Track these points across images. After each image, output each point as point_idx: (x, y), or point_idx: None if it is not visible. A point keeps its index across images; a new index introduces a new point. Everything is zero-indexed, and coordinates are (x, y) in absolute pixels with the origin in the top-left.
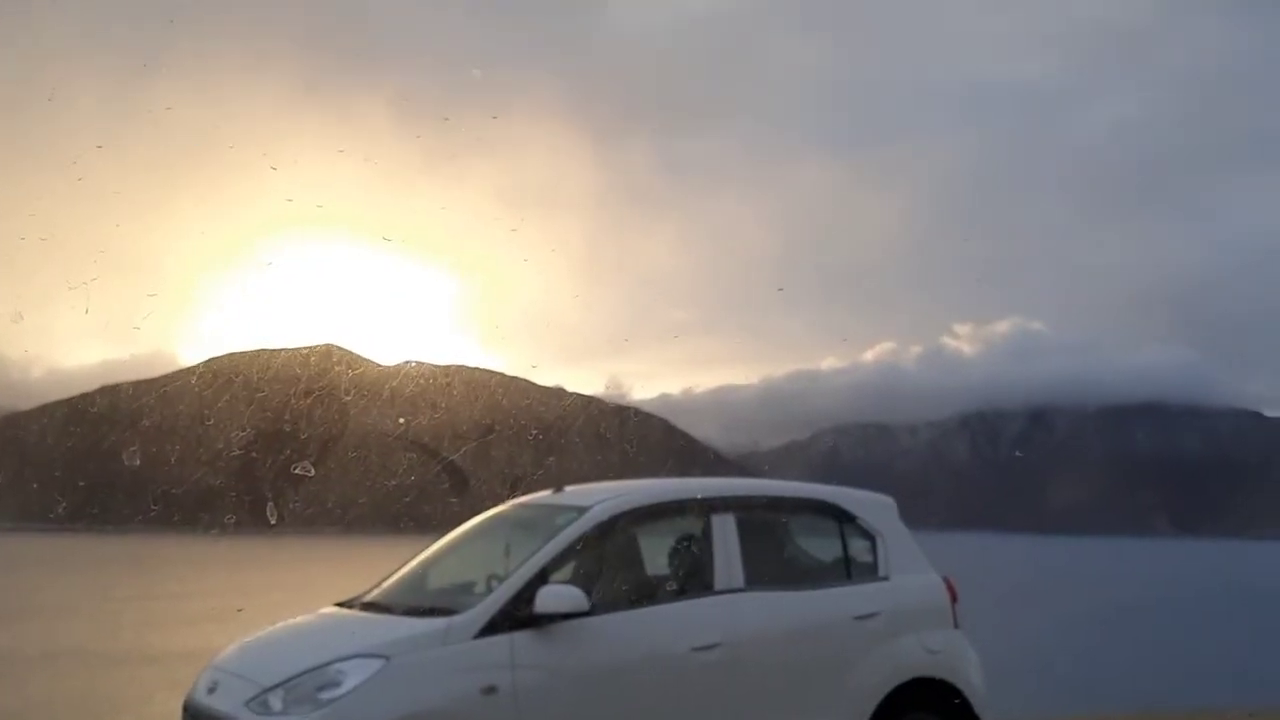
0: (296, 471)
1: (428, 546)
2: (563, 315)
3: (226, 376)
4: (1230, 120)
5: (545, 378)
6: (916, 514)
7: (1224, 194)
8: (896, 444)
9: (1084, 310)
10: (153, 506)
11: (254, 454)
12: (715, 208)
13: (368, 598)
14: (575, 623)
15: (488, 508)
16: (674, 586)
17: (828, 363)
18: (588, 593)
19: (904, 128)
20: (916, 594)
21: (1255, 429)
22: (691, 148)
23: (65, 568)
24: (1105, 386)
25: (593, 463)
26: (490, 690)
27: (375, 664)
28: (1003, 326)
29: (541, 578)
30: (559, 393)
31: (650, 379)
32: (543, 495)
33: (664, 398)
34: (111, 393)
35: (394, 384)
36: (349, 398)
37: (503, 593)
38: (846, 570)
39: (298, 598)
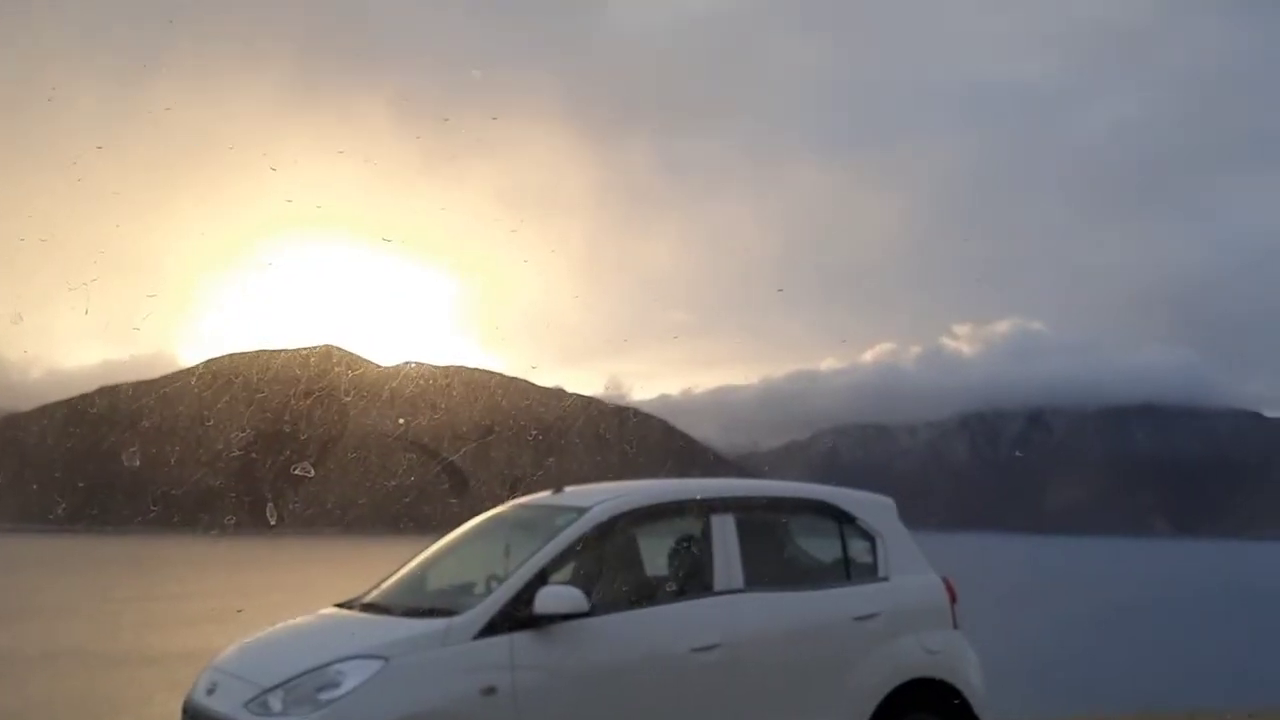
0: (296, 472)
1: (427, 547)
2: (562, 316)
3: (226, 377)
4: (1230, 121)
5: (545, 378)
6: (916, 514)
7: (1223, 194)
8: (896, 444)
9: (1083, 310)
10: (152, 507)
11: (254, 455)
12: (715, 208)
13: (367, 598)
14: (575, 623)
15: (487, 509)
16: (673, 587)
17: (827, 363)
18: (587, 593)
19: (903, 128)
20: (916, 594)
21: (1254, 429)
22: (691, 148)
23: (65, 568)
24: (1104, 387)
25: (592, 463)
26: (490, 691)
27: (375, 665)
28: (1002, 327)
29: (541, 578)
30: (558, 393)
31: (650, 379)
32: (542, 496)
33: (663, 398)
34: (111, 393)
35: (394, 385)
36: (349, 398)
37: (502, 593)
38: (846, 571)
39: (297, 599)
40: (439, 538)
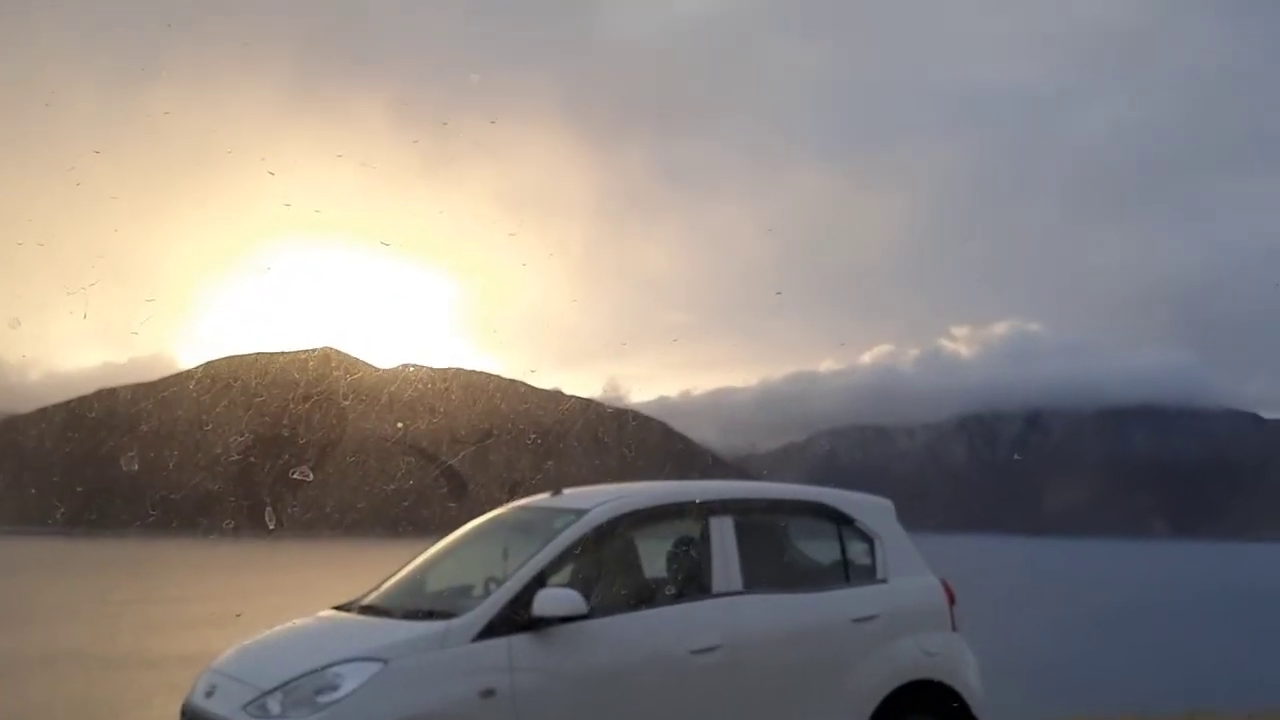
0: (295, 476)
1: (426, 550)
2: (561, 318)
3: (225, 381)
4: (1228, 122)
5: (544, 381)
6: (914, 516)
7: (1222, 195)
8: (894, 446)
9: (1081, 312)
10: (151, 511)
11: (252, 459)
12: (713, 210)
13: (366, 601)
14: (574, 626)
15: (486, 512)
16: (672, 589)
17: (825, 365)
18: (586, 596)
19: (902, 130)
20: (914, 596)
21: (1253, 431)
22: (690, 151)
23: (64, 572)
24: (1102, 388)
25: (591, 466)
26: (489, 693)
27: (373, 667)
28: (1000, 328)
29: (540, 581)
30: (557, 396)
31: (648, 382)
32: (541, 498)
33: (662, 400)
34: (109, 397)
35: (392, 388)
36: (347, 402)
37: (501, 596)
38: (844, 573)
39: (296, 601)
40: (438, 540)
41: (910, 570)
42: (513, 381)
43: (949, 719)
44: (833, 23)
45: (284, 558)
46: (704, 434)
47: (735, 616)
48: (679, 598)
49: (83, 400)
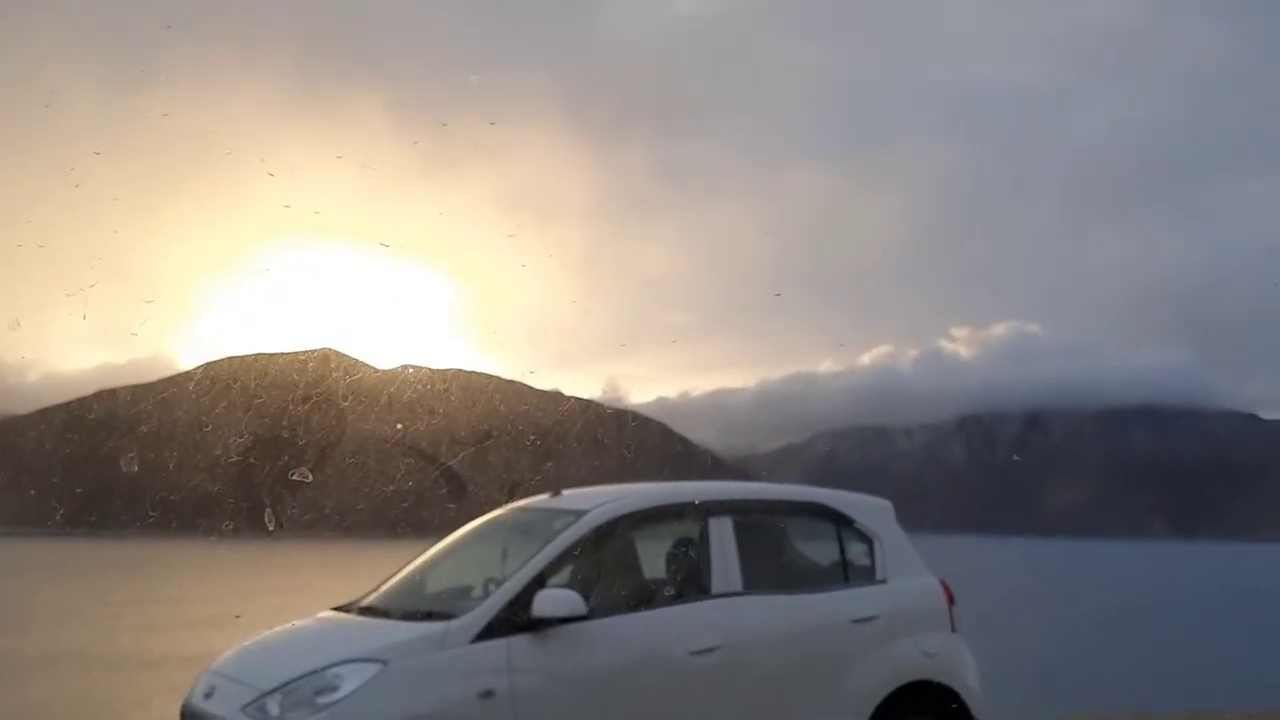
0: (294, 477)
1: (425, 551)
2: (560, 319)
3: (224, 382)
4: (1227, 123)
5: (543, 382)
6: (913, 517)
7: (1220, 196)
8: (893, 447)
9: (1081, 313)
10: (150, 513)
11: (252, 460)
12: (713, 211)
13: (365, 602)
14: (573, 627)
15: (485, 513)
16: (672, 590)
17: (825, 366)
18: (585, 597)
19: (901, 130)
20: (914, 597)
21: (1252, 431)
22: (689, 151)
23: (64, 573)
24: (1102, 389)
25: (590, 467)
26: (488, 694)
27: (372, 668)
28: (1000, 329)
29: (539, 582)
30: (556, 397)
31: (648, 383)
32: (540, 499)
33: (661, 401)
34: (109, 398)
35: (392, 389)
36: (346, 403)
37: (500, 597)
38: (844, 573)
39: (295, 602)
40: (437, 542)
41: (909, 571)
42: (512, 382)
43: None
44: (832, 23)
45: (283, 559)
46: (703, 435)
47: (734, 617)
48: (678, 599)
49: (82, 401)
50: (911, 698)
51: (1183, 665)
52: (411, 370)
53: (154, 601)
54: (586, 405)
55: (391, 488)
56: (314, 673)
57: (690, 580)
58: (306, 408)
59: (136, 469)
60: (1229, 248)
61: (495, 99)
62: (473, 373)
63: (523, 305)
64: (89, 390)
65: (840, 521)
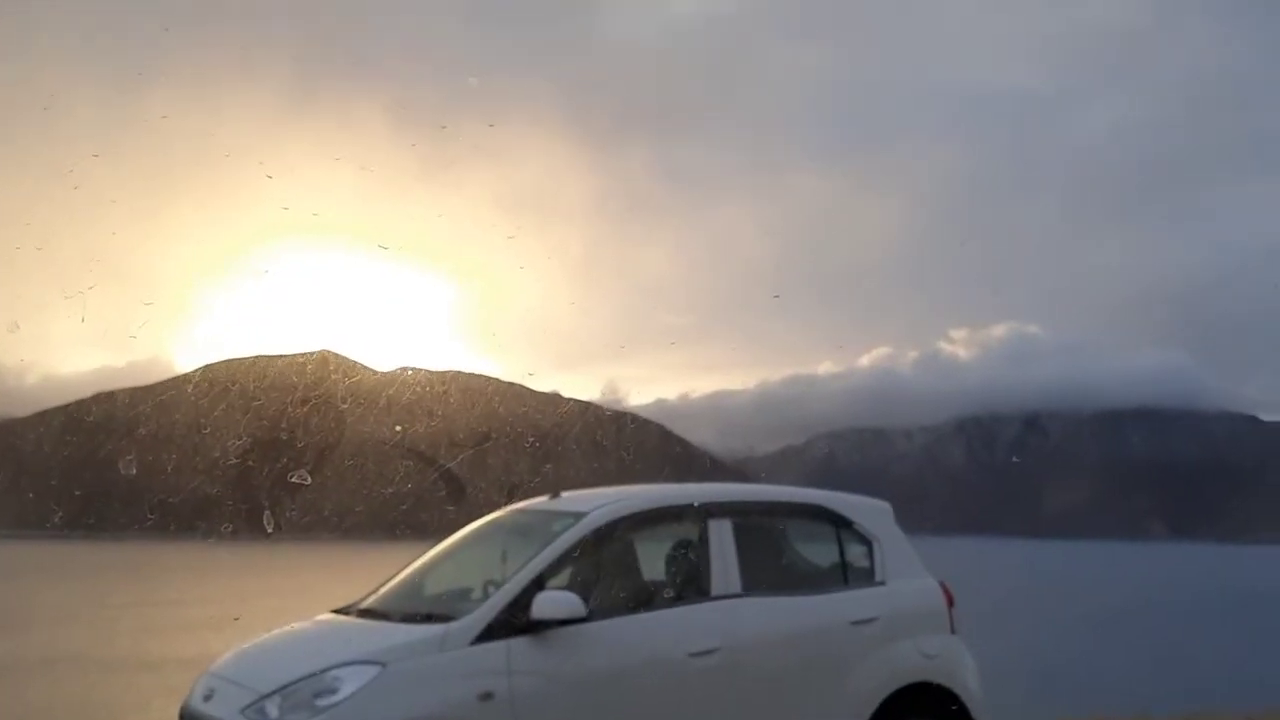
0: (293, 480)
1: (424, 553)
2: (559, 321)
3: (223, 384)
4: (1226, 124)
5: (542, 384)
6: (912, 519)
7: (1220, 197)
8: (892, 449)
9: (1079, 314)
10: (149, 515)
11: (250, 462)
12: (711, 213)
13: (364, 604)
14: (572, 629)
15: (484, 515)
16: (671, 592)
17: (824, 368)
18: (585, 598)
19: (900, 132)
20: (913, 599)
21: (1250, 433)
22: (688, 153)
23: (63, 575)
24: (1101, 391)
25: (589, 469)
26: (487, 696)
27: (372, 670)
28: (999, 331)
29: (538, 584)
30: (555, 399)
31: (647, 384)
32: (539, 501)
33: (660, 403)
34: (108, 400)
35: (390, 391)
36: (345, 405)
37: (499, 599)
38: (843, 575)
39: (294, 604)
40: (436, 544)
41: (909, 572)
42: (511, 384)
43: None
44: (831, 23)
45: (282, 561)
46: (702, 436)
47: (734, 619)
48: (678, 600)
49: (81, 404)
50: (911, 699)
51: (1181, 666)
52: (410, 372)
53: (153, 604)
54: (585, 407)
55: (390, 490)
56: (313, 675)
57: (690, 582)
58: (305, 410)
59: (135, 471)
60: (1228, 249)
61: (494, 101)
62: (472, 375)
63: (522, 307)
64: (88, 393)
65: (839, 523)
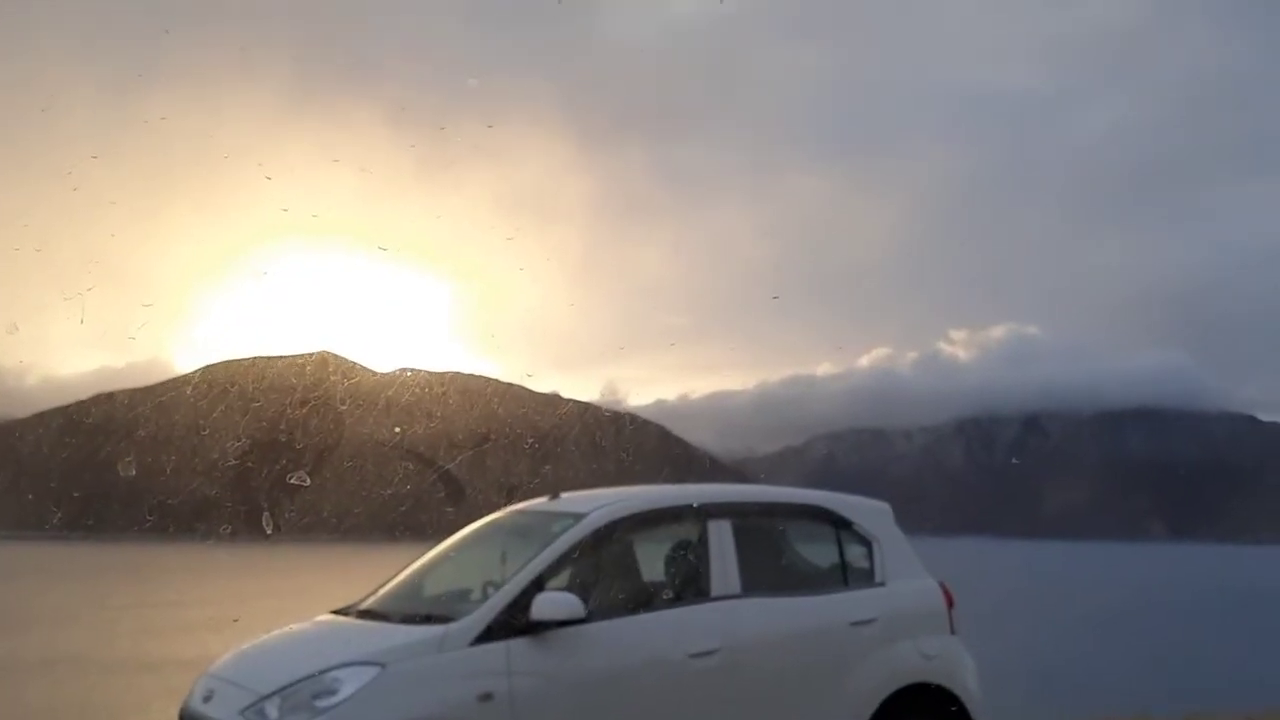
0: (292, 481)
1: (424, 554)
2: (558, 322)
3: (222, 385)
4: (1225, 125)
5: (541, 385)
6: (912, 519)
7: (1219, 198)
8: (892, 449)
9: (1079, 315)
10: (148, 516)
11: (250, 463)
12: (711, 214)
13: (364, 605)
14: (572, 630)
15: (484, 516)
16: (671, 593)
17: (823, 368)
18: (584, 599)
19: (899, 133)
20: (913, 599)
21: (1250, 433)
22: (687, 154)
23: (62, 576)
24: (1100, 391)
25: (589, 470)
26: (487, 697)
27: (371, 671)
28: (998, 332)
29: (538, 584)
30: (555, 400)
31: (646, 385)
32: (539, 502)
33: (660, 404)
34: (107, 401)
35: (390, 392)
36: (344, 407)
37: (499, 600)
38: (843, 576)
39: (294, 606)
40: (435, 545)
41: (908, 573)
42: (510, 385)
43: None
44: (829, 27)
45: (281, 562)
46: (702, 437)
47: (733, 620)
48: (677, 601)
49: (80, 405)
50: (910, 700)
51: (1181, 667)
52: (409, 373)
53: (152, 605)
54: (585, 408)
55: (390, 491)
56: (313, 676)
57: (689, 583)
58: (304, 411)
59: (134, 473)
60: (1228, 249)
61: (493, 102)
62: (471, 376)
63: (521, 308)
64: (87, 394)
65: (839, 524)
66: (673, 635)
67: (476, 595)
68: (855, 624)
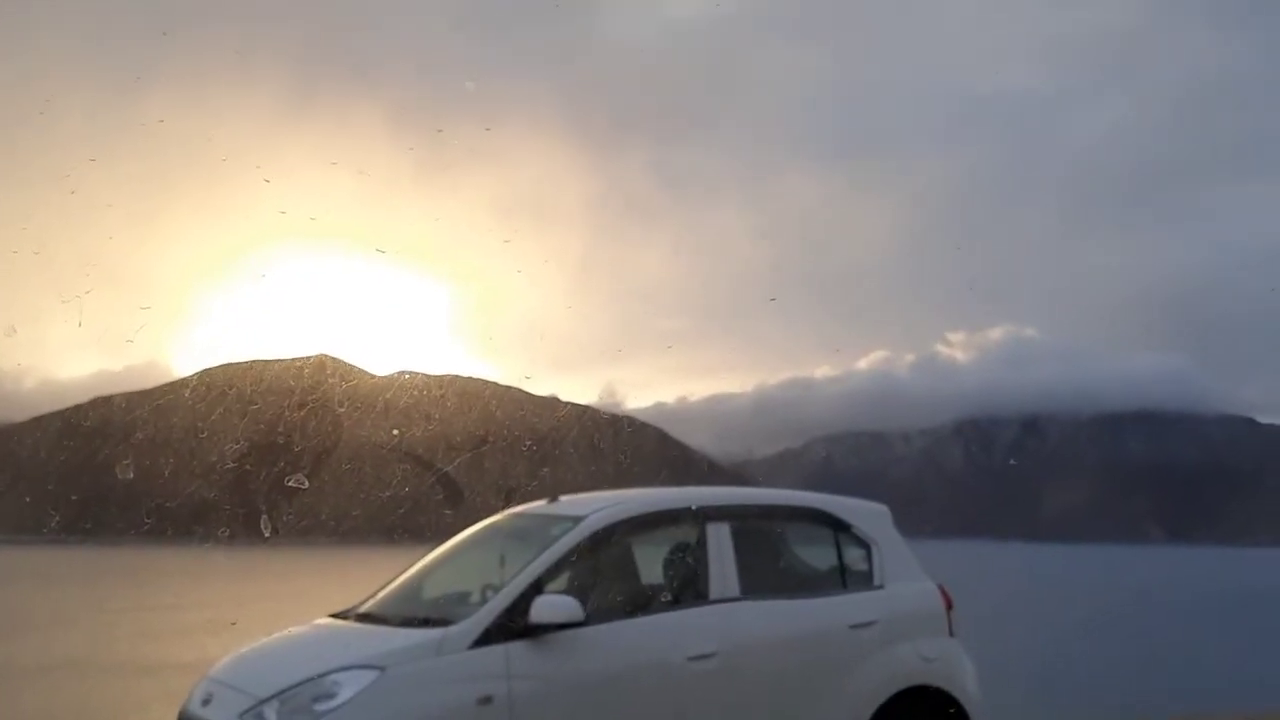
0: (291, 484)
1: (422, 557)
2: (556, 325)
3: (220, 388)
4: (1223, 127)
5: (539, 387)
6: (911, 522)
7: (1219, 199)
8: (890, 452)
9: (1077, 317)
10: (146, 520)
11: (248, 466)
12: (709, 216)
13: (363, 609)
14: (571, 633)
15: (482, 519)
16: (669, 596)
17: (821, 371)
18: (583, 602)
19: (897, 135)
20: (912, 602)
21: (1248, 435)
22: (685, 157)
23: (60, 580)
24: (1098, 394)
25: (587, 472)
26: (486, 701)
27: (370, 675)
28: (996, 334)
29: (537, 588)
30: (553, 402)
31: (644, 388)
32: (537, 505)
33: (658, 406)
34: (105, 405)
35: (388, 395)
36: (343, 409)
37: (498, 603)
38: (842, 578)
39: (292, 609)
40: (434, 548)
41: (907, 576)
42: (508, 388)
43: None
44: (828, 29)
45: (280, 565)
46: (700, 440)
47: (732, 623)
48: (676, 604)
49: (78, 408)
50: (909, 703)
51: (1180, 669)
52: (408, 376)
53: (150, 608)
54: (583, 410)
55: (388, 493)
56: (311, 680)
57: (688, 586)
58: (303, 414)
59: (132, 476)
60: (1228, 249)
61: (491, 105)
62: (469, 378)
63: (519, 310)
64: (85, 397)
65: (838, 526)
66: (671, 638)
67: (475, 598)
68: (854, 627)
